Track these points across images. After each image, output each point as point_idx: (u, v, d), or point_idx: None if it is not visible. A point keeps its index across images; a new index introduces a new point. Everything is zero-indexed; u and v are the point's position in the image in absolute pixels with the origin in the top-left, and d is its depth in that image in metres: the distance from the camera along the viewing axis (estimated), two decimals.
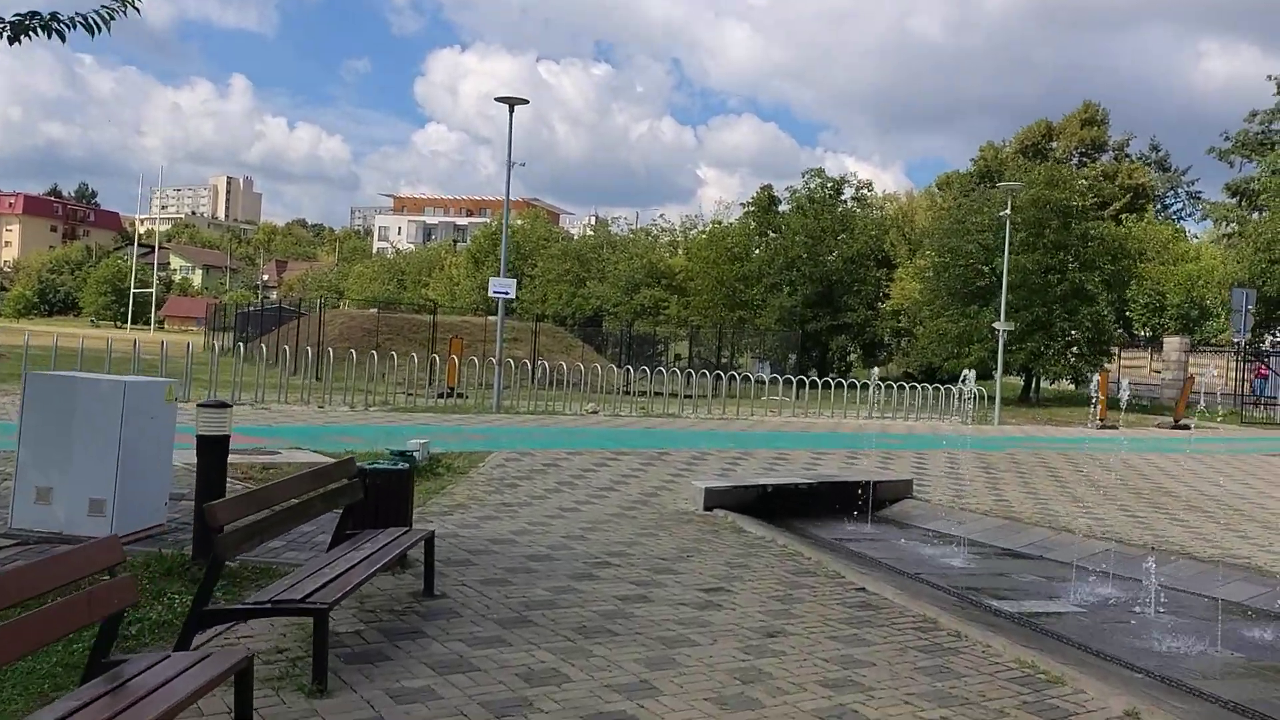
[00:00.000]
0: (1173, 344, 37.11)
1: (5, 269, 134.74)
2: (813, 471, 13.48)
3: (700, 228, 60.20)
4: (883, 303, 48.82)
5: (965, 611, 7.42)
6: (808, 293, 45.49)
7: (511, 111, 19.95)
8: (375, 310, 40.91)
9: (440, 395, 22.18)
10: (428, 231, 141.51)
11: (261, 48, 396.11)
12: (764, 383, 37.38)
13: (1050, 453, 18.30)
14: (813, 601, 7.06)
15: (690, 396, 25.34)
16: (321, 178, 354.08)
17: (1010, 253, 35.42)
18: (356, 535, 6.70)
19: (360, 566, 5.85)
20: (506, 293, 19.50)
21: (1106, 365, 36.23)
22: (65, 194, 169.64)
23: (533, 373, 24.28)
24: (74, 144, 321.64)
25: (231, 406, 7.57)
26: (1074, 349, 36.13)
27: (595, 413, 21.55)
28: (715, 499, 10.55)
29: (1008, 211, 27.92)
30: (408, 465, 7.49)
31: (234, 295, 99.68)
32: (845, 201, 49.53)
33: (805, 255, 45.64)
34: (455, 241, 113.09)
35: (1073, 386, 38.85)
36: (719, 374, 30.41)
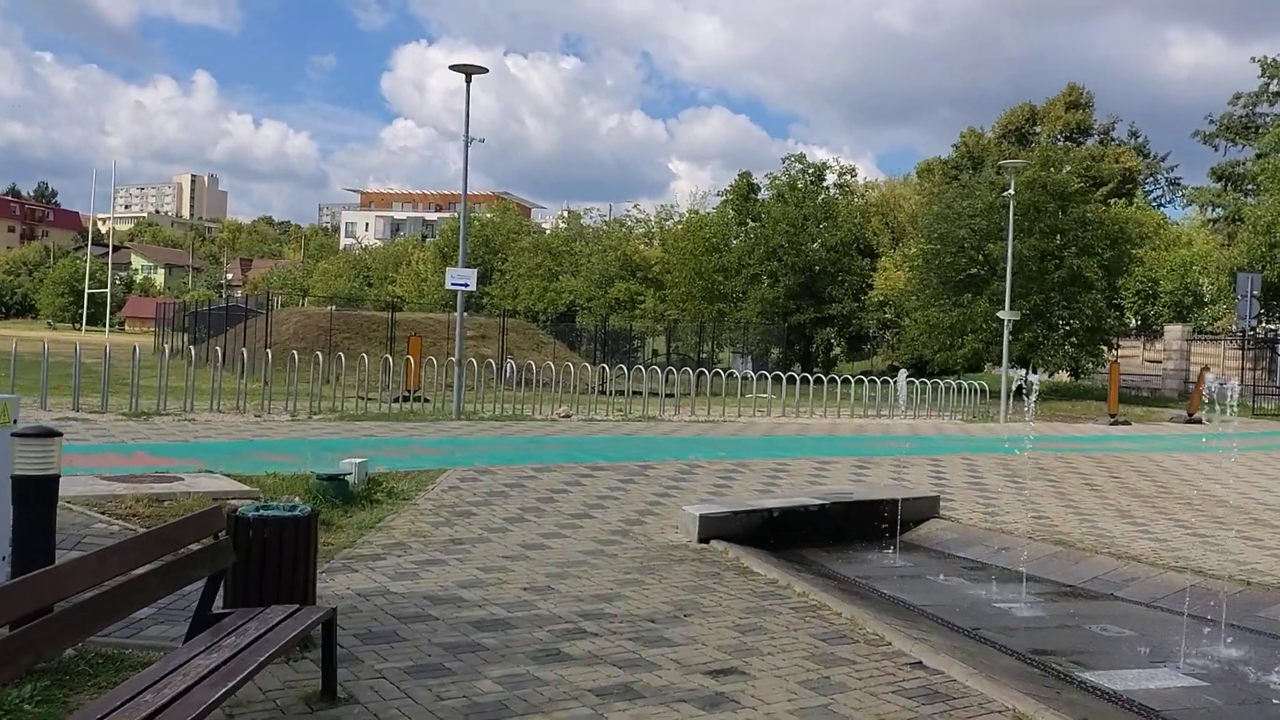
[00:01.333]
0: (1174, 332, 35.58)
1: None
2: (822, 488, 11.58)
3: (676, 218, 58.31)
4: (866, 294, 47.11)
5: (1058, 696, 5.52)
6: (790, 284, 43.70)
7: (469, 81, 17.93)
8: (332, 308, 38.67)
9: (397, 400, 20.12)
10: (396, 227, 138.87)
11: (225, 44, 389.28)
12: (747, 379, 35.58)
13: (1074, 455, 16.51)
14: (859, 689, 5.16)
15: (671, 395, 23.42)
16: (290, 175, 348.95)
17: (1003, 239, 33.73)
18: (225, 618, 4.72)
19: (214, 678, 3.89)
20: (466, 284, 17.50)
21: (1110, 356, 34.57)
22: (24, 194, 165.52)
23: (499, 372, 22.28)
24: (35, 144, 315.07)
25: (60, 435, 5.53)
26: (1072, 339, 34.52)
27: (568, 416, 19.60)
28: (711, 528, 8.64)
29: (1011, 191, 26.10)
30: (308, 512, 5.49)
31: (195, 294, 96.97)
32: (827, 188, 47.74)
33: (787, 244, 43.82)
34: (424, 236, 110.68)
35: (1071, 378, 37.24)
36: (700, 370, 28.58)
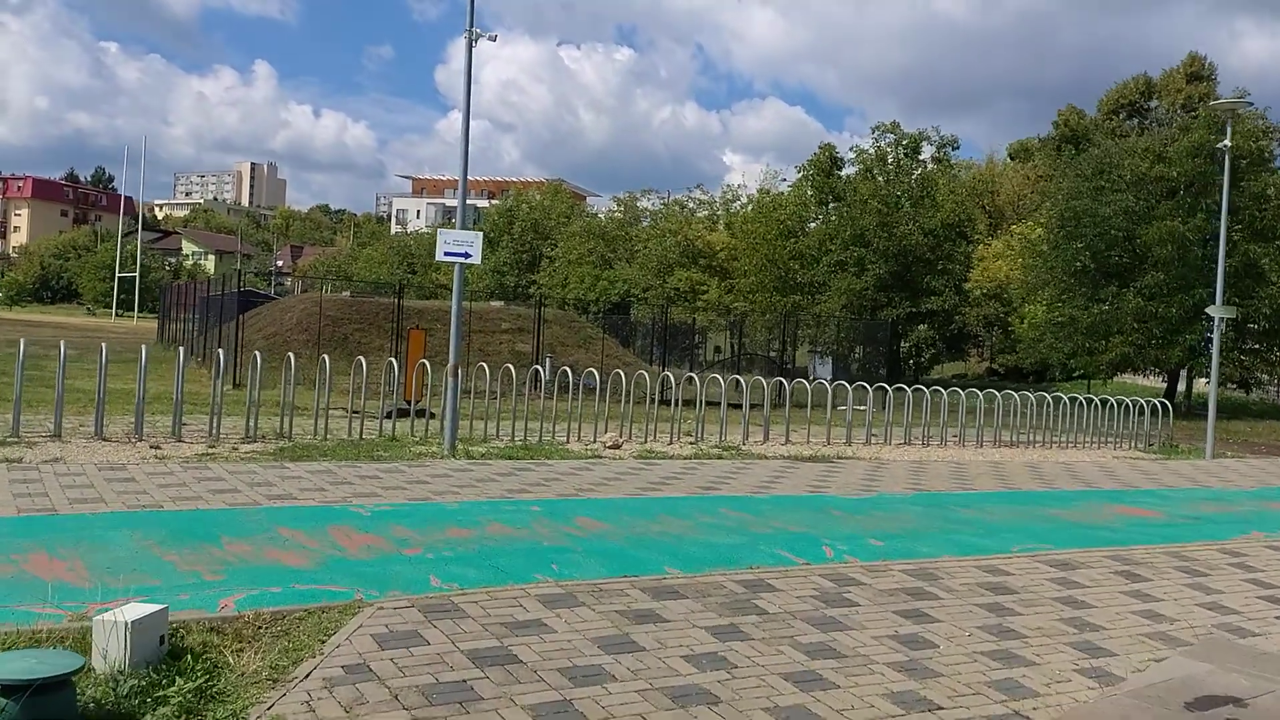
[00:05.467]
0: None
1: (13, 254, 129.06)
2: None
3: (745, 199, 52.28)
4: (966, 285, 40.68)
5: None
6: (880, 273, 37.49)
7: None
8: (345, 294, 33.36)
9: (390, 415, 14.43)
10: (447, 214, 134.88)
11: (284, 36, 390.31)
12: (823, 383, 29.56)
13: None
14: None
15: (737, 406, 17.48)
16: (348, 166, 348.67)
17: (1160, 219, 27.25)
18: None
19: None
20: (465, 254, 11.77)
21: None
22: (82, 179, 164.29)
23: (533, 379, 16.55)
24: (101, 133, 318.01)
25: None
26: (1245, 344, 27.88)
27: (616, 447, 13.78)
28: None
29: (1226, 142, 19.63)
30: None
31: (245, 280, 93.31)
32: (924, 163, 41.34)
33: (877, 227, 37.58)
34: (475, 222, 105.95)
35: (1241, 392, 30.50)
36: (779, 380, 22.63)
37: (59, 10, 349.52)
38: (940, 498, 11.12)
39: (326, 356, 13.32)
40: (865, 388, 18.34)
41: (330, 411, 15.29)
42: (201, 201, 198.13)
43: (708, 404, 16.61)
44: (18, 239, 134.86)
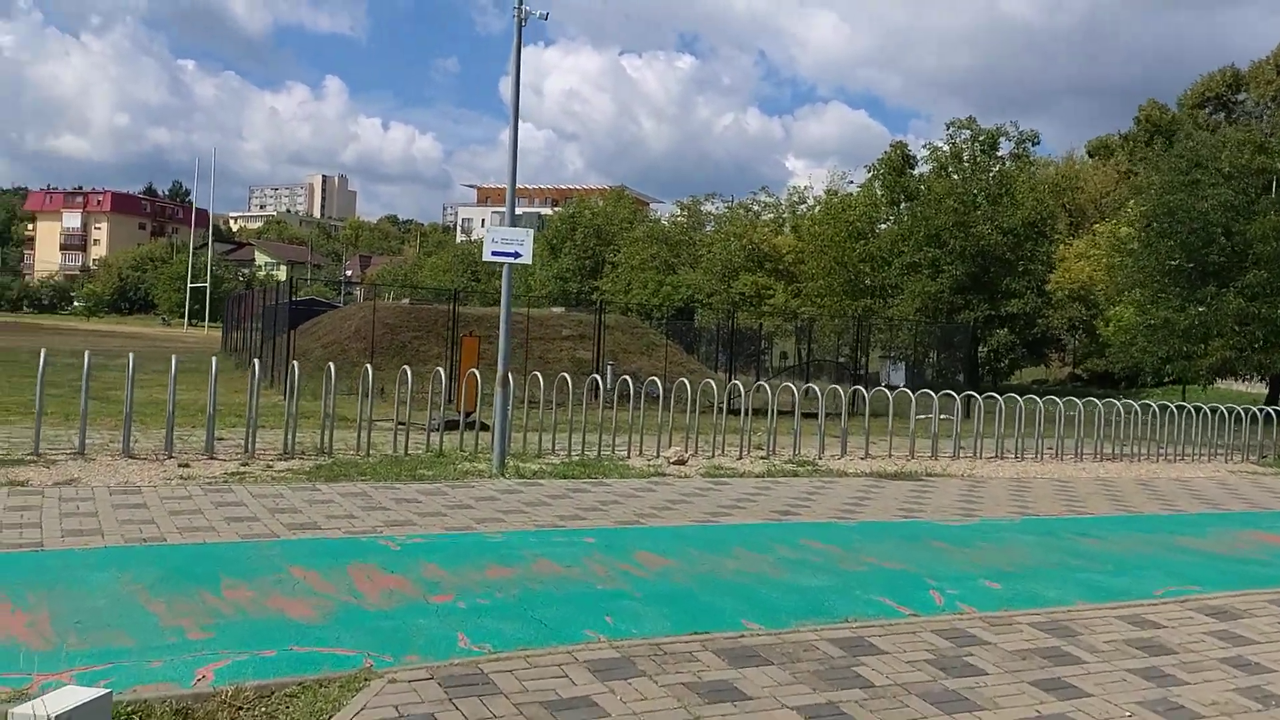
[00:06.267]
0: None
1: (92, 266, 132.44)
2: None
3: (811, 200, 50.79)
4: (1046, 286, 38.68)
5: None
6: (957, 274, 35.76)
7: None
8: (405, 301, 32.75)
9: (437, 428, 13.48)
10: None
11: (354, 51, 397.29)
12: (907, 392, 28.09)
13: None
14: None
15: (812, 415, 16.24)
16: (416, 177, 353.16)
17: (1262, 213, 25.34)
18: None
19: None
20: (514, 253, 10.73)
21: None
22: (161, 194, 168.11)
23: (593, 387, 15.49)
24: (179, 148, 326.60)
25: None
26: None
27: (681, 463, 12.64)
28: None
29: None
30: None
31: (312, 290, 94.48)
32: (1002, 159, 39.49)
33: (953, 227, 35.89)
34: (539, 229, 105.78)
35: None
36: (856, 389, 21.35)
37: (138, 30, 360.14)
38: (1053, 524, 9.76)
39: (369, 366, 12.40)
40: (951, 395, 16.93)
41: (380, 424, 14.44)
42: (274, 214, 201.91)
43: (778, 413, 15.35)
44: (98, 252, 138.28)
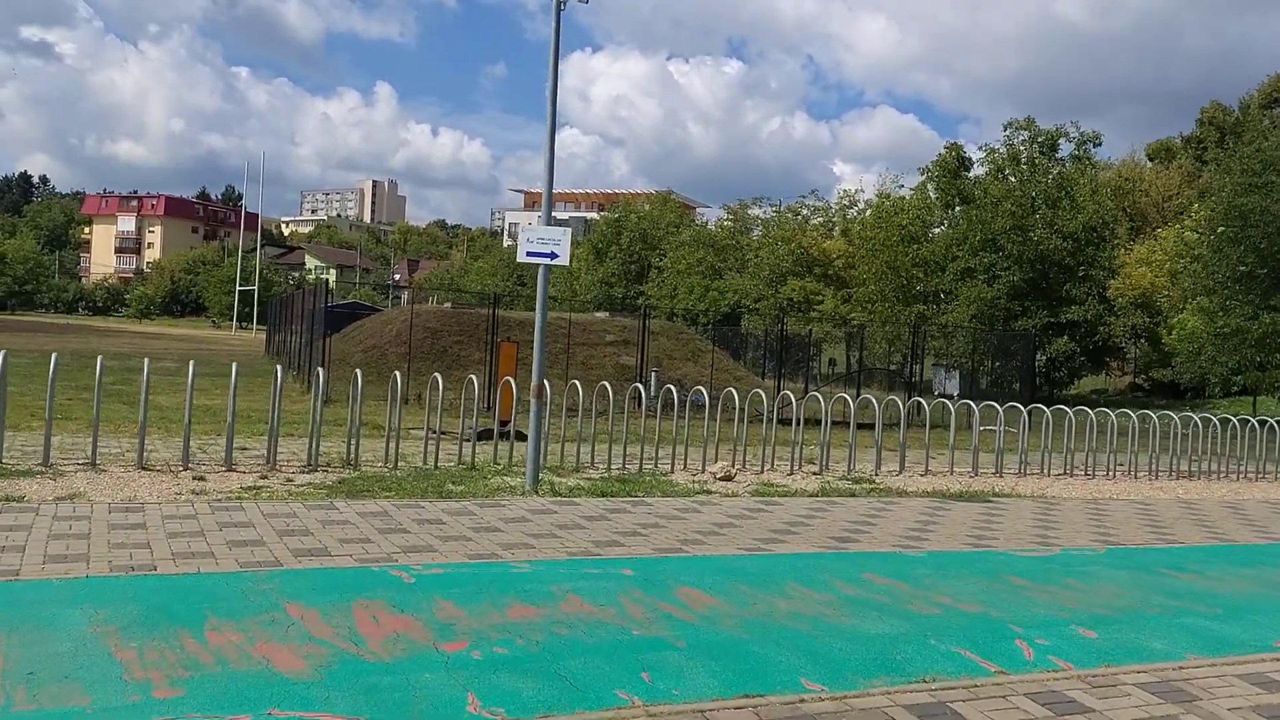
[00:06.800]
0: None
1: (146, 269, 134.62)
2: None
3: (862, 204, 49.66)
4: (1107, 292, 37.22)
5: None
6: (1014, 280, 34.52)
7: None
8: (447, 305, 32.28)
9: (469, 438, 12.80)
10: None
11: (404, 57, 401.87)
12: (969, 405, 27.01)
13: None
14: None
15: (868, 427, 15.33)
16: (464, 182, 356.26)
17: None
18: None
19: None
20: (550, 254, 10.00)
21: None
22: (213, 198, 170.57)
23: (635, 395, 14.72)
24: (233, 153, 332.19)
25: None
26: None
27: (727, 478, 11.82)
28: None
29: None
30: None
31: (359, 294, 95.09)
32: (1062, 161, 38.14)
33: (1011, 230, 34.66)
34: (584, 234, 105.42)
35: None
36: (915, 400, 20.40)
37: (194, 37, 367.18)
38: (1143, 556, 8.81)
39: (398, 374, 11.74)
40: (1018, 407, 15.91)
41: (413, 432, 13.82)
42: (325, 218, 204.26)
43: (817, 422, 14.44)
44: (152, 254, 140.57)
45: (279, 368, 11.07)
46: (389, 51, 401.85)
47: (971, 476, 13.89)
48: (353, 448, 11.11)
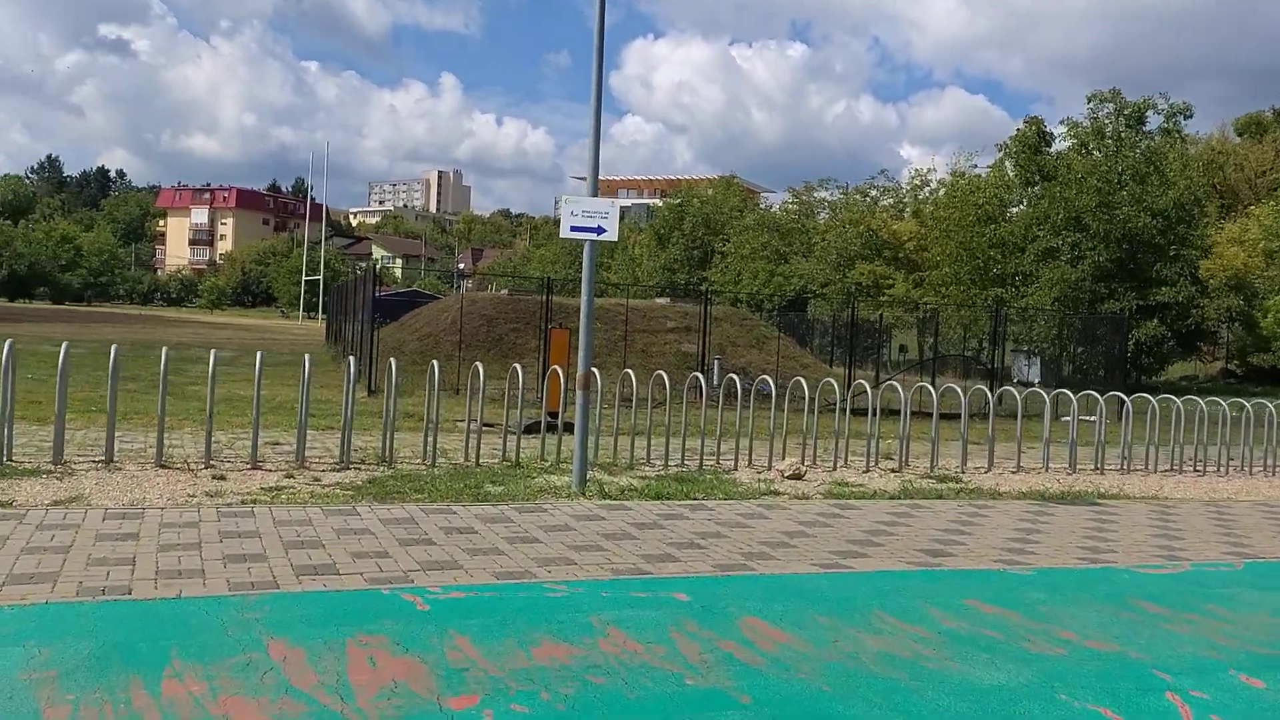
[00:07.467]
0: None
1: (218, 260, 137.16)
2: None
3: (935, 183, 47.78)
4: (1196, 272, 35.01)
5: None
6: (1100, 260, 32.59)
7: None
8: (504, 292, 31.51)
9: (525, 429, 11.88)
10: (622, 214, 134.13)
11: (469, 47, 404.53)
12: (1028, 386, 25.42)
13: None
14: None
15: (953, 417, 14.07)
16: (528, 171, 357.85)
17: None
18: None
19: None
20: (597, 228, 8.99)
21: None
22: (284, 190, 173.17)
23: (695, 385, 13.66)
24: (303, 146, 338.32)
25: None
26: None
27: (796, 477, 10.71)
28: None
29: None
30: None
31: (423, 282, 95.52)
32: (1150, 135, 35.98)
33: (1096, 209, 32.72)
34: (647, 220, 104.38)
35: None
36: (1007, 387, 19.03)
37: (264, 33, 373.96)
38: None
39: (435, 363, 10.83)
40: (1121, 396, 14.49)
41: (460, 424, 12.97)
42: (392, 209, 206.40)
43: (892, 413, 13.20)
44: (224, 246, 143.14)
45: (307, 358, 10.22)
46: (454, 42, 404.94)
47: (1069, 474, 12.57)
48: (388, 443, 10.24)
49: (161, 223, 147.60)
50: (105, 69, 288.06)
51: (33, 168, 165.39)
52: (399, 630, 4.86)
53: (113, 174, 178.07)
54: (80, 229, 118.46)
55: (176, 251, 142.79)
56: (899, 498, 9.89)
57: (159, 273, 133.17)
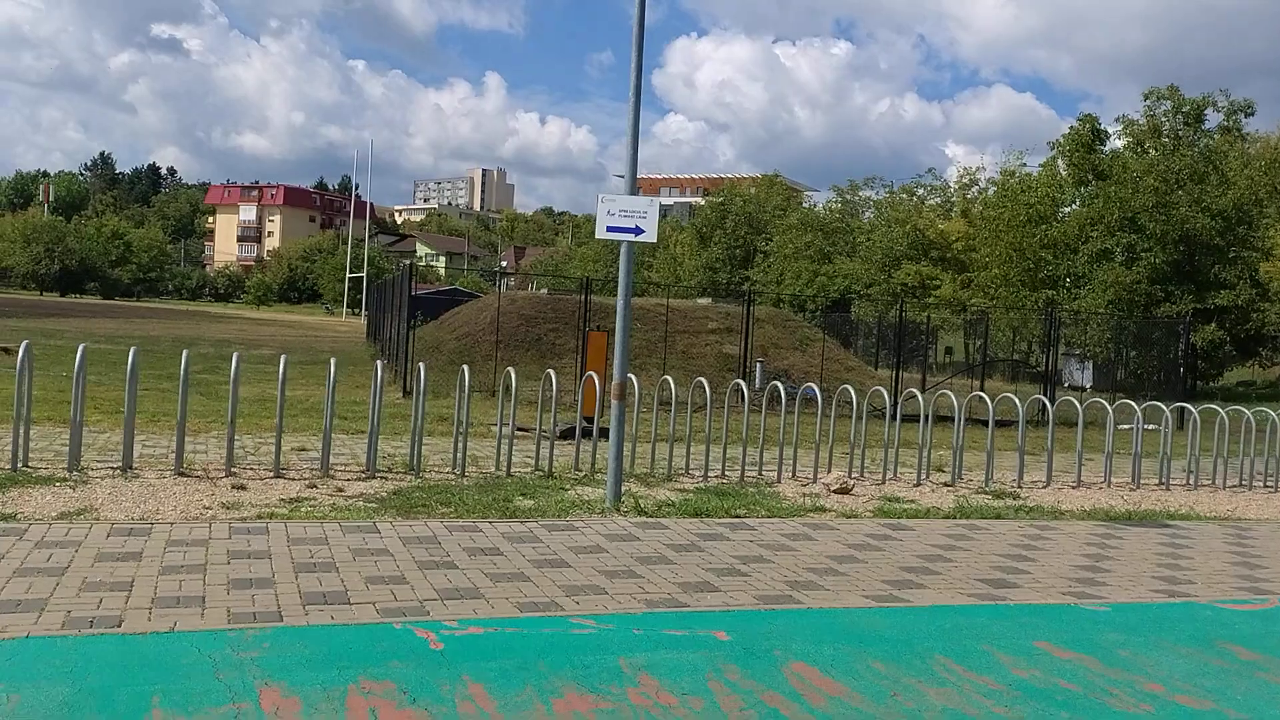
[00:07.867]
0: None
1: (266, 257, 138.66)
2: None
3: (984, 182, 46.76)
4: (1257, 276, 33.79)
5: None
6: (1156, 262, 31.55)
7: None
8: (544, 291, 31.13)
9: (558, 436, 11.45)
10: (663, 212, 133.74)
11: (513, 47, 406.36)
12: (1080, 391, 24.66)
13: None
14: None
15: (1008, 424, 13.39)
16: (571, 169, 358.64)
17: None
18: None
19: None
20: (636, 229, 8.49)
21: None
22: (330, 187, 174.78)
23: (737, 390, 13.15)
24: (350, 144, 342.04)
25: None
26: None
27: (844, 491, 10.14)
28: None
29: None
30: None
31: (466, 280, 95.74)
32: (1210, 134, 34.80)
33: (1153, 209, 31.66)
34: (691, 217, 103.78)
35: None
36: (1069, 397, 18.32)
37: (313, 33, 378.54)
38: None
39: (466, 367, 10.39)
40: (1188, 408, 13.74)
41: (493, 429, 12.55)
42: (436, 207, 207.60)
43: (940, 419, 12.56)
44: (271, 243, 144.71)
45: (332, 360, 9.84)
46: (498, 42, 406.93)
47: (1132, 489, 11.87)
48: (416, 452, 9.83)
49: (210, 219, 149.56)
50: (158, 68, 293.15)
51: (86, 165, 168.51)
52: (408, 674, 4.40)
53: (164, 171, 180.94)
54: (131, 225, 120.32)
55: (225, 248, 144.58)
56: (954, 516, 9.29)
57: (207, 269, 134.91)
